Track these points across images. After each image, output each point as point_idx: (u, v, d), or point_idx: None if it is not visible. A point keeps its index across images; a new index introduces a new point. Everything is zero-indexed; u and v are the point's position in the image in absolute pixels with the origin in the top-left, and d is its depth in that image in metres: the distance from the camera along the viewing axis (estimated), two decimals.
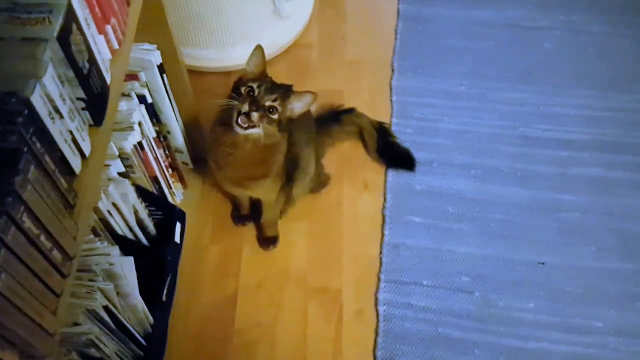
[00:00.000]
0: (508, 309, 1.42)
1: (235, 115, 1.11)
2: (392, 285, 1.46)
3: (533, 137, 1.72)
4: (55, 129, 0.72)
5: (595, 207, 1.58)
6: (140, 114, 1.17)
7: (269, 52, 1.85)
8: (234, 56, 1.81)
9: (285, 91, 1.16)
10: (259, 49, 1.19)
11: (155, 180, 1.29)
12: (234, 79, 1.82)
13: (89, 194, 0.82)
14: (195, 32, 1.74)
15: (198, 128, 1.45)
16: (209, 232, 1.54)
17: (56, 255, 0.70)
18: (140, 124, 1.16)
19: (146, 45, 1.17)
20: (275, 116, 1.13)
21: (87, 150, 0.82)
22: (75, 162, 0.79)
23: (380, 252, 1.51)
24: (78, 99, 0.80)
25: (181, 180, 1.48)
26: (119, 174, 1.12)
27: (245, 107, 1.10)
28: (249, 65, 1.20)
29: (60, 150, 0.74)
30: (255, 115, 1.10)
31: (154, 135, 1.26)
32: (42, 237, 0.66)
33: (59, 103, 0.73)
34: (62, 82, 0.74)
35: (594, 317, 1.41)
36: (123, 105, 1.13)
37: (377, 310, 1.42)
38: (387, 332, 1.39)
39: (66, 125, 0.75)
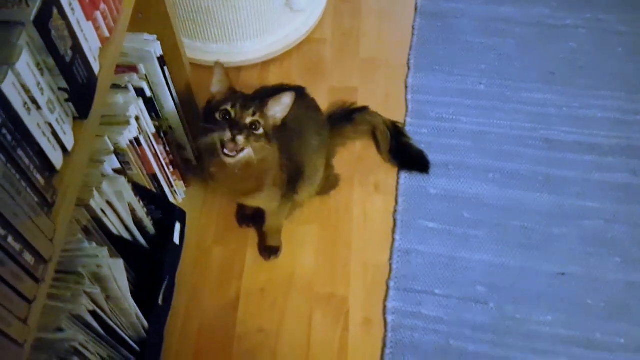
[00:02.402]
0: (525, 321, 1.34)
1: (219, 145, 1.04)
2: (402, 293, 1.38)
3: (556, 140, 1.63)
4: (31, 120, 0.67)
5: (620, 216, 1.49)
6: (137, 107, 1.11)
7: (280, 47, 1.80)
8: (244, 51, 1.75)
9: (260, 101, 1.09)
10: (218, 65, 1.12)
11: (154, 177, 1.24)
12: (245, 74, 1.80)
13: (71, 192, 0.76)
14: (205, 25, 1.68)
15: (197, 138, 1.38)
16: (213, 233, 1.49)
17: (27, 258, 0.64)
18: (137, 118, 1.10)
19: (146, 36, 1.12)
20: (260, 131, 1.06)
21: (69, 145, 0.76)
22: (56, 157, 0.74)
23: (390, 258, 1.44)
24: (60, 89, 0.74)
25: (183, 178, 1.42)
26: (115, 170, 1.07)
27: (227, 135, 1.02)
28: (214, 86, 1.13)
29: (37, 144, 0.69)
30: (241, 139, 1.03)
31: (153, 130, 1.20)
32: (10, 239, 0.60)
33: (35, 93, 0.67)
34: (40, 70, 0.69)
35: (615, 332, 1.32)
36: (119, 98, 1.07)
37: (385, 320, 1.35)
38: (396, 343, 1.32)
39: (45, 117, 0.70)
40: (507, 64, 1.80)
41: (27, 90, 0.66)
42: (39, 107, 0.68)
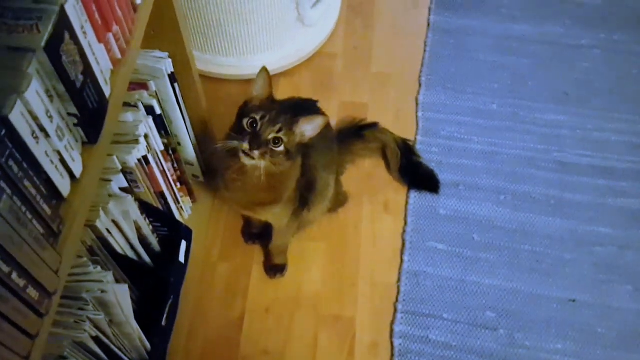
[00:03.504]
0: (535, 349, 1.32)
1: (240, 155, 1.05)
2: (410, 316, 1.36)
3: (569, 163, 1.60)
4: (39, 150, 0.65)
5: (633, 243, 1.46)
6: (147, 126, 1.09)
7: (291, 61, 1.77)
8: (254, 64, 1.72)
9: (292, 117, 1.07)
10: (264, 71, 1.11)
11: (161, 195, 1.22)
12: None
13: (78, 220, 0.74)
14: (215, 39, 1.66)
15: (211, 139, 1.37)
16: (218, 249, 1.46)
17: (31, 293, 0.62)
18: (146, 136, 1.08)
19: (157, 53, 1.10)
20: (281, 148, 1.05)
21: (77, 172, 0.74)
22: (64, 185, 0.71)
23: (399, 280, 1.41)
24: (70, 114, 0.72)
25: (190, 194, 1.40)
26: (121, 189, 1.05)
27: (245, 146, 1.02)
28: (256, 89, 1.12)
29: (45, 173, 0.67)
30: (256, 154, 1.03)
31: (162, 148, 1.18)
32: (14, 275, 0.58)
33: (44, 121, 0.65)
34: (50, 97, 0.67)
35: None
36: (129, 116, 1.05)
37: (392, 344, 1.33)
38: None
39: (53, 145, 0.68)
40: (520, 84, 1.77)
41: (35, 119, 0.63)
42: (47, 135, 0.66)
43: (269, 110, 1.06)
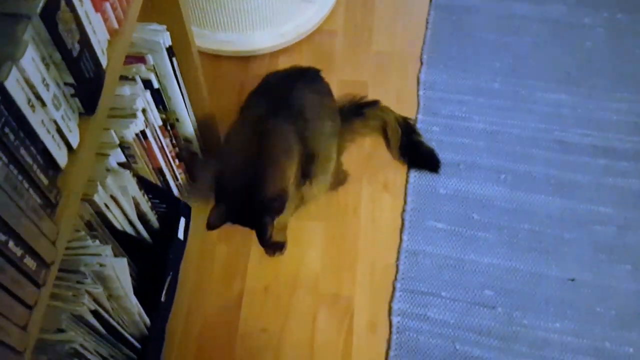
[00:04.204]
0: (533, 327, 1.32)
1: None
2: (408, 295, 1.36)
3: (570, 142, 1.59)
4: (35, 118, 0.63)
5: (634, 223, 1.46)
6: (144, 100, 1.07)
7: (290, 38, 1.75)
8: (254, 41, 1.72)
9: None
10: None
11: (159, 171, 1.21)
12: (253, 64, 1.76)
13: (76, 191, 0.73)
14: (214, 14, 1.64)
15: (210, 116, 1.35)
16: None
17: (29, 263, 0.61)
18: (144, 111, 1.07)
19: (155, 26, 1.08)
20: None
21: (74, 142, 0.73)
22: (60, 156, 0.70)
23: (397, 259, 1.41)
24: (66, 84, 0.71)
25: (189, 171, 1.38)
26: (119, 164, 1.04)
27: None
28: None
29: (41, 142, 0.66)
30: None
31: (160, 123, 1.16)
32: (11, 244, 0.57)
33: (40, 89, 0.64)
34: (46, 65, 0.65)
35: (625, 342, 1.30)
36: (126, 90, 1.03)
37: (390, 321, 1.33)
38: (400, 346, 1.30)
39: (49, 115, 0.67)
40: (522, 63, 1.76)
41: (31, 87, 0.62)
42: (44, 104, 0.65)
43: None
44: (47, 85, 0.65)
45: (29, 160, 0.62)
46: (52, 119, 0.67)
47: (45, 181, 0.66)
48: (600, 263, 1.40)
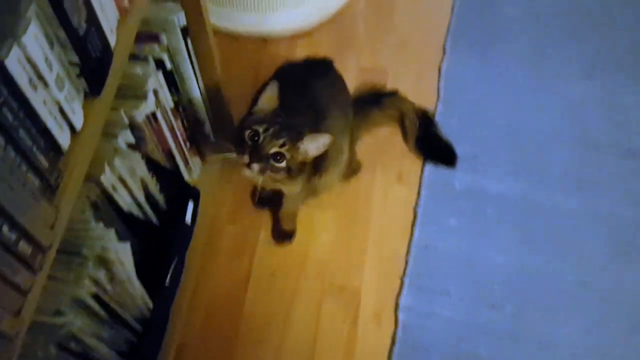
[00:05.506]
0: (542, 328, 1.29)
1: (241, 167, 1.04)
2: (416, 290, 1.34)
3: (592, 139, 1.54)
4: (37, 98, 0.62)
5: None
6: (156, 80, 1.05)
7: (312, 20, 1.71)
8: (272, 22, 1.68)
9: (297, 133, 1.04)
10: (274, 85, 1.07)
11: (169, 153, 1.19)
12: (271, 47, 1.72)
13: (77, 174, 0.71)
14: None
15: (223, 98, 1.33)
16: (226, 211, 1.44)
17: (24, 247, 0.60)
18: (155, 92, 1.05)
19: (169, 5, 1.05)
20: (282, 164, 1.03)
21: (78, 124, 0.71)
22: (63, 137, 0.69)
23: (407, 253, 1.38)
24: (72, 64, 0.69)
25: (200, 154, 1.37)
26: (128, 145, 1.02)
27: (245, 159, 1.00)
28: (261, 102, 1.08)
29: (42, 123, 0.64)
30: (255, 168, 1.01)
31: (172, 105, 1.14)
32: (5, 228, 0.56)
33: (43, 69, 0.62)
34: (50, 43, 0.63)
35: (636, 348, 1.26)
36: (137, 70, 1.01)
37: (396, 316, 1.31)
38: (405, 342, 1.28)
39: (52, 95, 0.65)
40: (548, 55, 1.70)
41: (33, 66, 0.60)
42: (46, 85, 0.63)
43: (272, 124, 1.03)
44: (50, 65, 0.63)
45: (29, 142, 0.61)
46: (55, 99, 0.65)
47: (46, 163, 0.64)
48: (617, 267, 1.36)
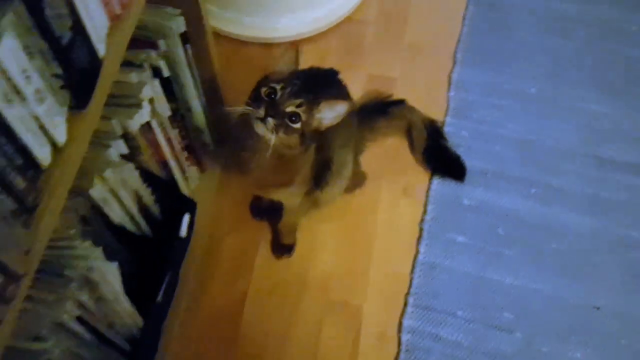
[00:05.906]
0: (552, 355, 1.23)
1: (253, 122, 0.95)
2: (421, 311, 1.28)
3: (608, 158, 1.48)
4: (12, 113, 0.57)
5: None
6: (152, 89, 1.00)
7: (319, 25, 1.66)
8: (278, 27, 1.63)
9: (315, 96, 0.98)
10: (295, 48, 1.02)
11: (164, 164, 1.14)
12: (277, 53, 1.67)
13: (60, 191, 0.66)
14: None
15: (223, 106, 1.27)
16: (225, 222, 1.39)
17: None
18: (151, 100, 1.00)
19: (168, 10, 1.00)
20: (297, 125, 0.96)
21: (61, 139, 0.66)
22: (43, 153, 0.63)
23: (412, 271, 1.33)
24: (55, 75, 0.64)
25: (198, 163, 1.32)
26: (122, 156, 0.97)
27: (261, 112, 0.93)
28: (282, 61, 1.03)
29: (19, 141, 0.59)
30: (270, 122, 0.93)
31: (169, 113, 1.09)
32: None
33: (19, 81, 0.57)
34: (29, 54, 0.58)
35: None
36: (133, 77, 0.96)
37: (399, 338, 1.25)
38: None
39: (30, 110, 0.60)
40: (563, 68, 1.64)
41: (8, 79, 0.55)
42: (23, 98, 0.58)
43: (290, 83, 0.97)
44: (28, 78, 0.58)
45: (2, 161, 0.56)
46: (34, 114, 0.60)
47: (22, 184, 0.60)
48: (629, 292, 1.30)
